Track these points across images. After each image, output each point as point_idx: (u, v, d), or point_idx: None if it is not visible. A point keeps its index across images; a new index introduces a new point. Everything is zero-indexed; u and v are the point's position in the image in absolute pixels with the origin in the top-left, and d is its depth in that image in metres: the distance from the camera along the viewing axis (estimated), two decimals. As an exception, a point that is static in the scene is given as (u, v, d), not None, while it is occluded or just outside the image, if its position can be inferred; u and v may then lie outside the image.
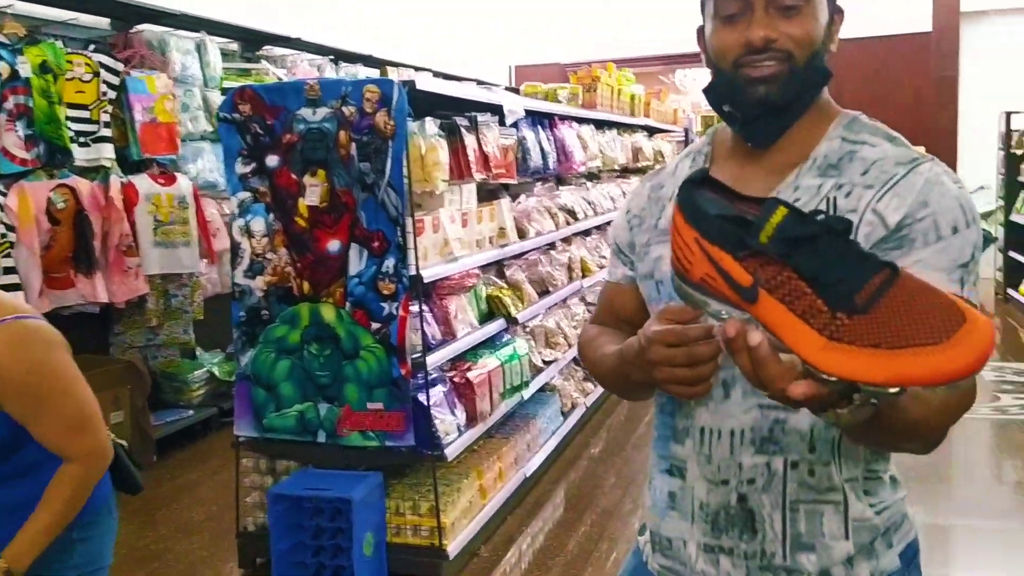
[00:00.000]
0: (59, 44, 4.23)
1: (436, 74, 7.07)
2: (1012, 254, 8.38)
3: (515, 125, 4.22)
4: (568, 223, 4.94)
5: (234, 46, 5.74)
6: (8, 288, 3.71)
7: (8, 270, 3.91)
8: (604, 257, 5.39)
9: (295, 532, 3.11)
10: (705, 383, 1.02)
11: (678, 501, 1.27)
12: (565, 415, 4.74)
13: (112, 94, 4.50)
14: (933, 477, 4.17)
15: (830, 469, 1.17)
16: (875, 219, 1.12)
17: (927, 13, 9.50)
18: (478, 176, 3.67)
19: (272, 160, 3.15)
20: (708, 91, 1.26)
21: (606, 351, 1.26)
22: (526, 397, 4.03)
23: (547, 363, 4.46)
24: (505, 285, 4.13)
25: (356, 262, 3.10)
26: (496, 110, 3.96)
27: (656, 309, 1.26)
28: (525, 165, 4.35)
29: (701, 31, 1.25)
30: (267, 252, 3.20)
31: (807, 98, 1.19)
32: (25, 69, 4.03)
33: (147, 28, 4.92)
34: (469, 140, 3.62)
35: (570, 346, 4.74)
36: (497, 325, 3.87)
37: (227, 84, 5.08)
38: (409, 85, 3.03)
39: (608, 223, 5.45)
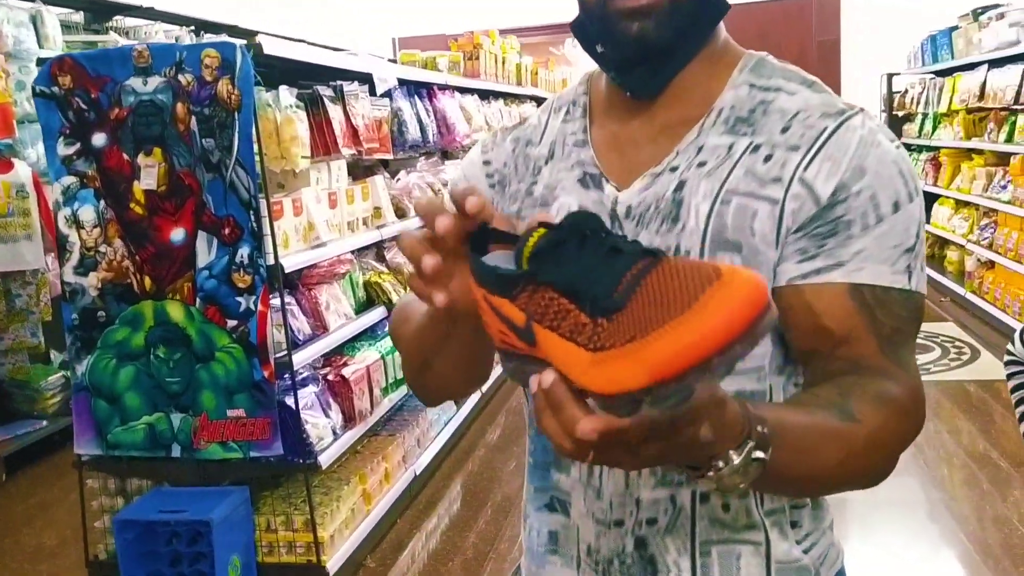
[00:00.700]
0: None
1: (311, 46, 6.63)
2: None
3: (388, 95, 3.88)
4: (453, 200, 4.64)
5: (77, 17, 5.20)
6: None
7: None
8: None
9: (149, 560, 2.75)
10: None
11: (561, 543, 1.00)
12: (459, 404, 4.47)
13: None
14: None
15: (748, 503, 0.93)
16: (803, 191, 0.88)
17: (809, -23, 9.55)
18: (347, 151, 3.33)
19: (99, 139, 2.74)
20: (576, 29, 0.99)
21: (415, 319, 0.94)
22: (413, 389, 3.73)
23: (436, 350, 4.17)
24: (385, 269, 3.81)
25: (205, 253, 2.73)
26: (366, 79, 3.62)
27: None
28: (402, 139, 4.02)
29: None
30: (100, 245, 2.79)
31: (697, 36, 0.94)
32: None
33: (-32, -4, 4.36)
34: (334, 112, 3.27)
35: (460, 330, 4.45)
36: (377, 314, 3.55)
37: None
38: (254, 48, 2.66)
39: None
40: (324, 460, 2.90)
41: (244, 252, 2.70)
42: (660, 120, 0.96)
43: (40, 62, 2.84)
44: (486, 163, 1.09)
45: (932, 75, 7.91)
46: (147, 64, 2.67)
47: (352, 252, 3.48)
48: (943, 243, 7.49)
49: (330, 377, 3.17)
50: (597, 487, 0.94)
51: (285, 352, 2.82)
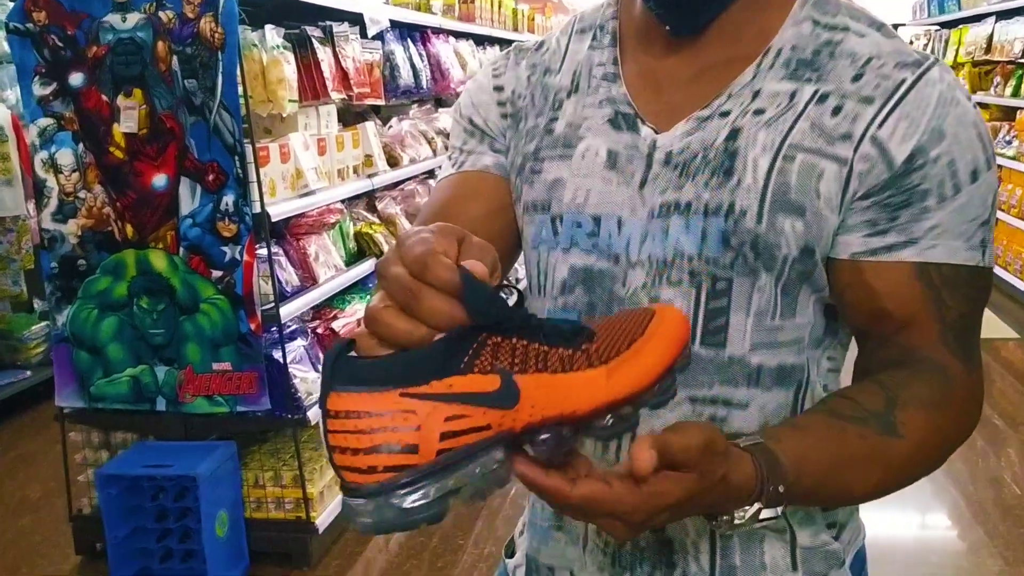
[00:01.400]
0: None
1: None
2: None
3: (380, 38, 3.73)
4: (447, 148, 4.51)
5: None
6: None
7: None
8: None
9: (134, 515, 2.68)
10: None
11: (566, 520, 0.91)
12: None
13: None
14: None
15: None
16: (874, 152, 0.77)
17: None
18: (336, 96, 3.19)
19: (76, 79, 2.60)
20: None
21: None
22: (404, 343, 3.65)
23: (428, 303, 4.07)
24: (377, 220, 3.70)
25: (188, 200, 2.62)
26: (356, 20, 3.47)
27: (549, 259, 0.87)
28: (394, 84, 3.87)
29: None
30: (79, 190, 2.67)
31: None
32: None
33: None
34: (323, 54, 3.13)
35: (454, 283, 4.36)
36: (368, 266, 3.44)
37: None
38: (239, -16, 2.52)
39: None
40: (313, 415, 2.82)
41: (229, 199, 2.59)
42: (705, 57, 0.83)
43: (13, -4, 2.70)
44: (498, 88, 0.96)
45: (937, 27, 7.75)
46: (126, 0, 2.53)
47: (342, 201, 3.36)
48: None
49: (319, 331, 3.08)
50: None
51: (272, 304, 2.72)
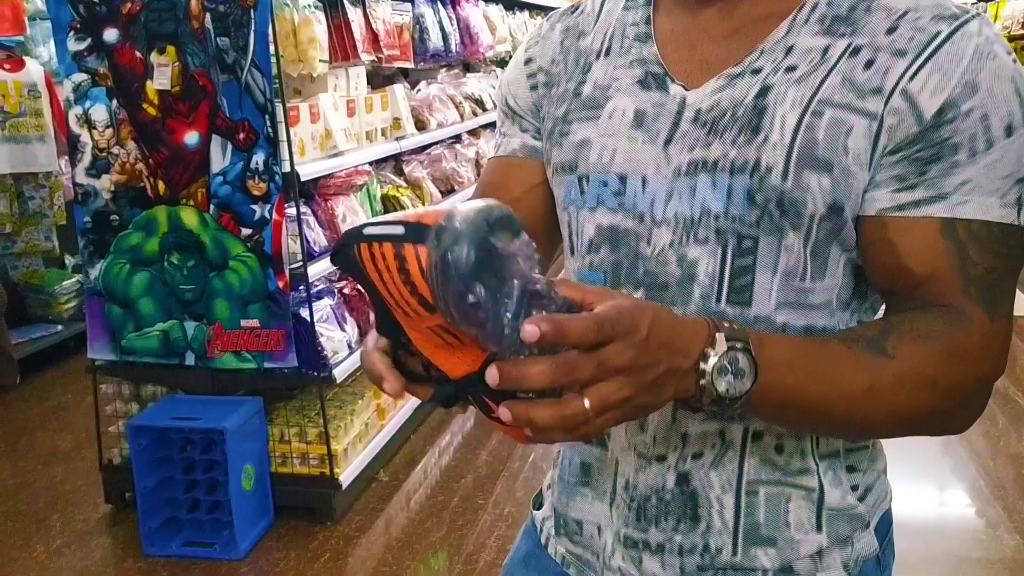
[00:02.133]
0: None
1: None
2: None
3: (410, 0, 3.73)
4: (475, 114, 4.51)
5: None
6: None
7: None
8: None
9: (163, 466, 2.75)
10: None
11: (594, 476, 0.93)
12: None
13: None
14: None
15: (804, 445, 0.85)
16: (904, 105, 0.75)
17: None
18: (366, 57, 3.20)
19: (111, 35, 2.63)
20: None
21: None
22: (429, 305, 3.68)
23: (453, 267, 4.10)
24: (403, 183, 3.72)
25: (219, 158, 2.65)
26: (387, -19, 3.47)
27: (578, 219, 0.88)
28: (423, 47, 3.87)
29: None
30: (112, 146, 2.71)
31: None
32: None
33: None
34: (354, 15, 3.14)
35: (478, 248, 4.38)
36: (394, 228, 3.47)
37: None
38: (273, -58, 2.53)
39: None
40: (339, 374, 2.86)
41: (259, 158, 2.62)
42: (740, 13, 0.83)
43: (49, -48, 2.72)
44: (528, 61, 0.98)
45: (976, 0, 7.60)
46: (160, -44, 2.54)
47: (370, 163, 3.38)
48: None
49: (346, 291, 3.12)
50: (641, 420, 0.86)
51: (300, 263, 2.75)
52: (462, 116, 4.30)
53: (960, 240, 0.76)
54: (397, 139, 3.52)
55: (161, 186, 2.70)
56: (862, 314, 0.86)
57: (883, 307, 0.87)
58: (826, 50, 0.79)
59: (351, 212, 3.18)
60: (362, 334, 3.11)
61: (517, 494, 3.14)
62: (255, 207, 2.66)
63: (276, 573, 2.70)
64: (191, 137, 2.65)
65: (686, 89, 0.83)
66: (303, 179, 2.73)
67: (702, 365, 0.69)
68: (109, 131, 2.70)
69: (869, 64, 0.77)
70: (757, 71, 0.80)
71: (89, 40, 2.65)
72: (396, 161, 3.78)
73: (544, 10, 6.34)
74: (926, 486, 3.21)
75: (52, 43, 4.44)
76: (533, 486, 3.18)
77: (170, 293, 2.78)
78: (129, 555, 2.79)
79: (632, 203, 0.84)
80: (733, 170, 0.79)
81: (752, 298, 0.81)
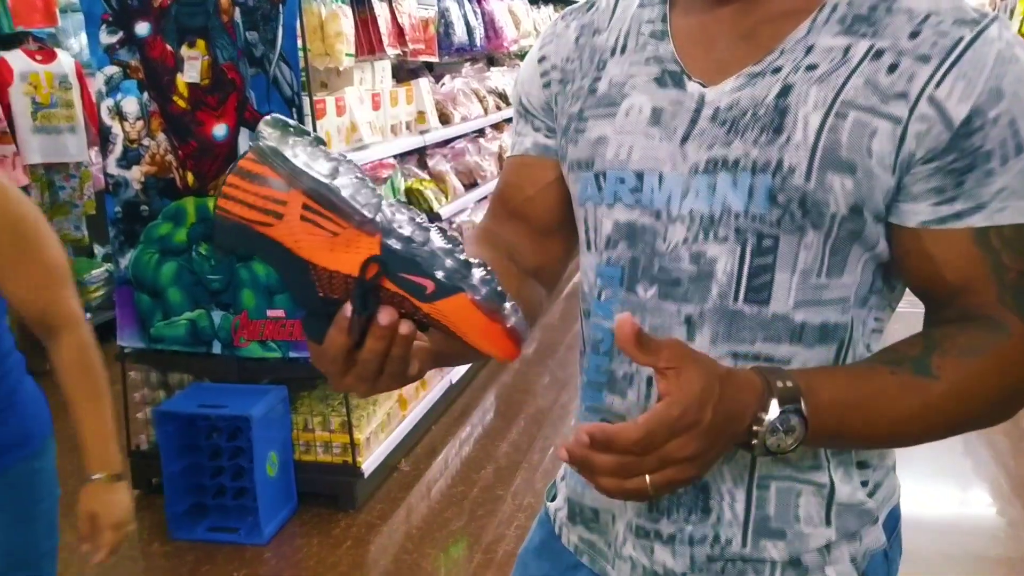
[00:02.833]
0: None
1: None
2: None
3: (436, -6, 3.76)
4: (499, 108, 4.53)
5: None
6: None
7: None
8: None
9: (190, 452, 2.80)
10: None
11: None
12: (495, 315, 4.45)
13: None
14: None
15: None
16: (932, 112, 0.76)
17: None
18: (392, 52, 3.23)
19: (142, 28, 2.67)
20: None
21: None
22: (451, 298, 3.71)
23: (475, 260, 4.13)
24: (427, 176, 3.75)
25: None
26: (413, -24, 3.50)
27: (596, 215, 0.90)
28: (448, 41, 3.90)
29: None
30: (143, 138, 2.76)
31: None
32: None
33: None
34: (380, 9, 3.17)
35: (500, 241, 4.41)
36: (418, 220, 3.50)
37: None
38: (301, -63, 2.56)
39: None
40: (362, 364, 2.89)
41: (287, 151, 2.65)
42: (760, 11, 0.84)
43: (82, -54, 2.77)
44: (541, 60, 0.99)
45: (1005, -5, 7.51)
46: (191, -50, 2.59)
47: (394, 156, 3.41)
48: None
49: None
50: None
51: (326, 254, 2.79)
52: (486, 110, 4.33)
53: (993, 247, 0.78)
54: (421, 132, 3.55)
55: (190, 177, 2.74)
56: (879, 311, 0.87)
57: (900, 304, 0.89)
58: (847, 50, 0.79)
59: (375, 204, 3.22)
60: (385, 325, 3.15)
61: (536, 485, 3.17)
62: (282, 199, 2.69)
63: (299, 559, 2.75)
64: (220, 129, 2.69)
65: (704, 87, 0.84)
66: (329, 171, 2.76)
67: (755, 428, 0.74)
68: (140, 123, 2.75)
69: (893, 68, 0.77)
70: (777, 70, 0.81)
71: (121, 33, 2.70)
72: (420, 154, 3.82)
73: (567, 3, 6.35)
74: (947, 485, 3.21)
75: (83, 35, 4.53)
76: (552, 478, 3.19)
77: (198, 283, 2.83)
78: (156, 539, 2.85)
79: (649, 200, 0.85)
80: (755, 169, 0.79)
81: (771, 297, 0.82)
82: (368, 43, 3.14)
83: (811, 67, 0.80)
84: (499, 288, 0.70)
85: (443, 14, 3.86)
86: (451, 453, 3.48)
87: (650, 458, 0.69)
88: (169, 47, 2.67)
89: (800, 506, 0.87)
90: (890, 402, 0.78)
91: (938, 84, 0.76)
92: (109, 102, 2.75)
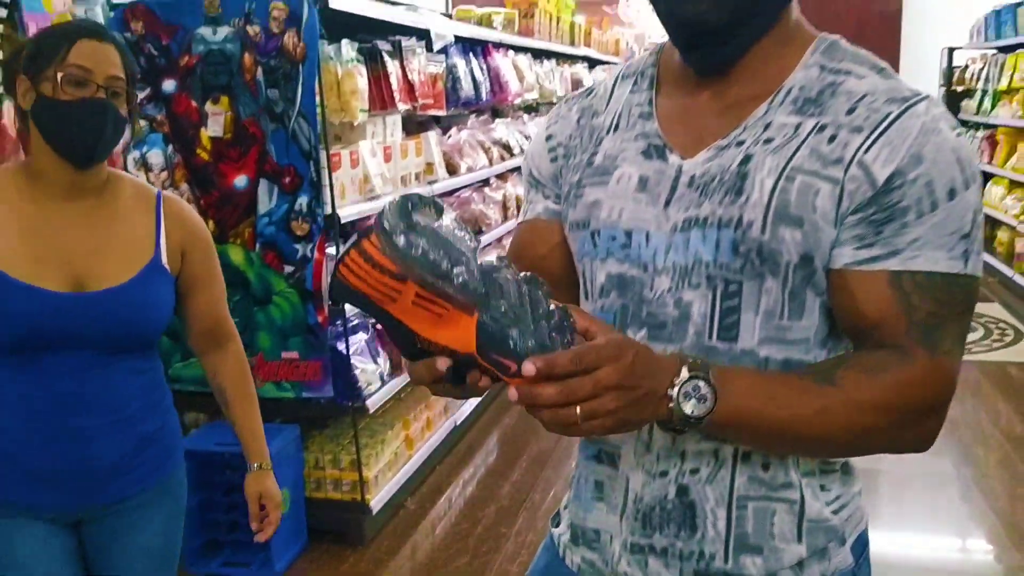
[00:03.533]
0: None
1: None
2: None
3: (444, 52, 3.94)
4: (503, 158, 4.70)
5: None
6: None
7: None
8: (541, 194, 5.16)
9: (205, 489, 2.91)
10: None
11: (606, 492, 1.07)
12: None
13: (2, 12, 4.08)
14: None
15: (787, 464, 1.00)
16: (860, 174, 0.91)
17: (872, -56, 9.35)
18: (402, 106, 3.40)
19: (169, 85, 2.84)
20: (653, 3, 1.04)
21: None
22: (456, 341, 3.84)
23: (480, 305, 4.26)
24: (434, 224, 3.90)
25: (266, 200, 2.84)
26: (423, 35, 3.67)
27: (591, 268, 1.05)
28: (455, 95, 4.08)
29: None
30: (167, 188, 2.91)
31: (762, 17, 0.97)
32: None
33: (40, -61, 4.46)
34: (392, 67, 3.34)
35: (504, 287, 4.54)
36: (425, 266, 3.64)
37: None
38: (321, 3, 2.73)
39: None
40: (371, 404, 3.02)
41: (303, 201, 2.81)
42: (730, 95, 0.99)
43: (112, 7, 2.94)
44: (548, 138, 1.16)
45: (994, 51, 7.74)
46: (217, 14, 2.76)
47: (404, 205, 3.56)
48: (994, 223, 7.37)
49: (379, 326, 3.28)
50: (647, 441, 1.01)
51: (338, 299, 2.92)
52: (491, 161, 4.49)
53: (905, 289, 0.91)
54: (430, 183, 3.71)
55: (212, 225, 2.88)
56: (837, 351, 1.00)
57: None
58: (798, 127, 0.95)
59: (385, 251, 3.36)
60: (394, 367, 3.27)
61: (538, 524, 3.26)
62: (298, 246, 2.84)
63: (309, 593, 2.84)
64: (240, 180, 2.84)
65: (682, 158, 1.00)
66: (343, 220, 2.91)
67: (671, 391, 0.87)
68: (164, 174, 2.91)
69: (832, 139, 0.93)
70: (741, 143, 0.96)
71: (148, 89, 2.87)
72: (428, 203, 3.97)
73: (568, 58, 6.58)
74: (945, 533, 3.27)
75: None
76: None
77: (216, 325, 2.95)
78: (170, 573, 2.93)
79: (637, 255, 1.00)
80: (720, 225, 0.95)
81: (738, 335, 0.96)
82: (380, 98, 3.30)
83: (768, 140, 0.95)
84: None
85: (451, 70, 4.04)
86: (455, 493, 3.58)
87: (583, 381, 0.81)
88: (194, 103, 2.84)
89: (775, 523, 0.99)
90: (793, 397, 0.91)
91: (867, 150, 0.91)
92: (135, 154, 2.91)
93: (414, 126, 4.08)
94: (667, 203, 0.99)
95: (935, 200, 0.90)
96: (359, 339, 3.11)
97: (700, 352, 0.96)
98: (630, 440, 1.03)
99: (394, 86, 3.33)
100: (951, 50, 8.52)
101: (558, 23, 6.03)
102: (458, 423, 3.92)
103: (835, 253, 0.93)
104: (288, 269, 2.86)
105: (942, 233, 0.90)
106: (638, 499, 1.03)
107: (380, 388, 3.11)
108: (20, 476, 1.56)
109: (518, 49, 5.20)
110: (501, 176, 4.83)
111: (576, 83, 6.49)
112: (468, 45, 4.38)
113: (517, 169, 5.07)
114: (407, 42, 3.50)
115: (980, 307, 6.18)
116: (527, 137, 5.20)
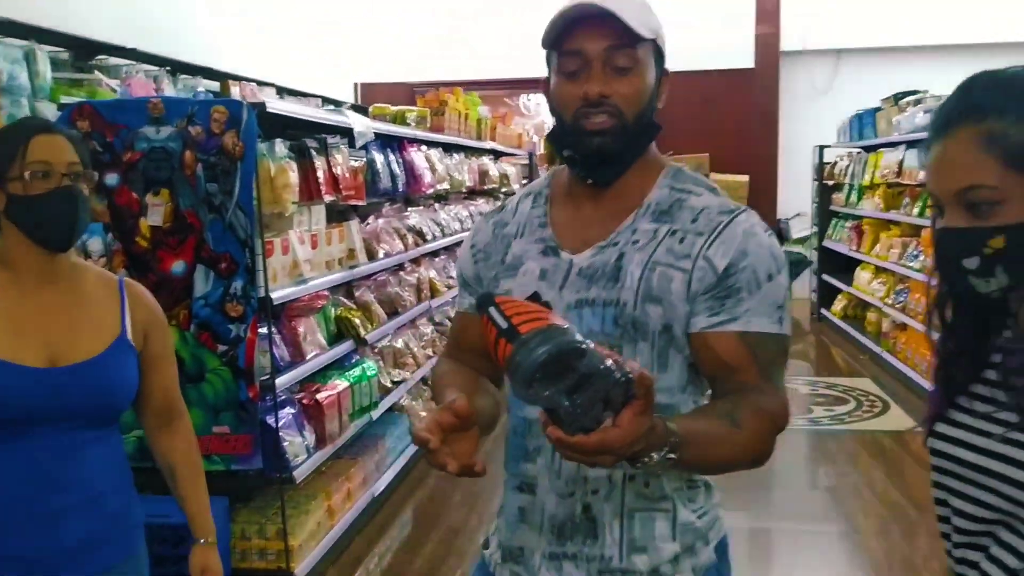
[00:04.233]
0: None
1: (280, 89, 6.96)
2: (825, 277, 9.12)
3: (364, 147, 4.26)
4: (417, 244, 5.01)
5: (65, 55, 5.47)
6: None
7: None
8: (452, 277, 5.49)
9: (134, 562, 3.01)
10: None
11: (528, 515, 1.38)
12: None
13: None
14: (754, 484, 4.45)
15: (662, 482, 1.32)
16: (705, 265, 1.28)
17: (750, 51, 10.24)
18: (328, 198, 3.68)
19: (111, 178, 3.05)
20: (551, 137, 1.39)
21: (445, 394, 1.33)
22: (375, 417, 4.06)
23: (396, 383, 4.50)
24: (354, 306, 4.15)
25: (202, 284, 3.05)
26: (345, 132, 3.99)
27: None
28: (375, 187, 4.39)
29: (547, 83, 1.37)
30: (106, 273, 3.09)
31: (638, 148, 1.35)
32: None
33: (-32, 32, 4.61)
34: (319, 162, 3.63)
35: (419, 366, 4.80)
36: (346, 346, 3.89)
37: (63, 99, 4.83)
38: (259, 107, 3.02)
39: (457, 244, 5.56)
40: (299, 475, 3.21)
41: (238, 285, 3.03)
42: (607, 207, 1.36)
43: (60, 107, 3.14)
44: (472, 247, 1.51)
45: (859, 150, 8.56)
46: (161, 115, 3.01)
47: (327, 289, 3.81)
48: (864, 305, 8.04)
49: (305, 401, 3.49)
50: (557, 470, 1.33)
51: (269, 375, 3.13)
52: (406, 246, 4.79)
53: (751, 343, 1.27)
54: (351, 267, 3.98)
55: (148, 308, 3.07)
56: (695, 396, 1.35)
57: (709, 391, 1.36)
58: (656, 232, 1.32)
59: (311, 331, 3.59)
60: (319, 441, 3.47)
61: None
62: (231, 327, 3.05)
63: (236, 660, 2.95)
64: (178, 266, 3.05)
65: (572, 255, 1.36)
66: (275, 303, 3.14)
67: (647, 459, 1.08)
68: (103, 260, 3.09)
69: (682, 240, 1.31)
70: (616, 244, 1.33)
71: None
72: (348, 286, 4.22)
73: (476, 151, 7.01)
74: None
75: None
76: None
77: (148, 402, 3.10)
78: (96, 647, 3.00)
79: None
80: (604, 304, 1.30)
81: None
82: (308, 191, 3.58)
83: (635, 241, 1.32)
84: None
85: (370, 164, 4.36)
86: (371, 564, 3.75)
87: (606, 458, 1.02)
88: (135, 195, 3.05)
89: (656, 528, 1.32)
90: (720, 448, 1.22)
91: (708, 248, 1.29)
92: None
93: (335, 214, 4.36)
94: (561, 288, 1.34)
95: (759, 281, 1.28)
96: (287, 413, 3.31)
97: None
98: (544, 472, 1.35)
99: (320, 179, 3.62)
100: (822, 148, 9.34)
101: (466, 120, 6.46)
102: (375, 495, 4.10)
103: (692, 321, 1.29)
104: (222, 348, 3.06)
105: (766, 304, 1.28)
106: (553, 517, 1.34)
107: (306, 460, 3.31)
108: None
109: (430, 144, 5.57)
110: (415, 260, 5.13)
111: (483, 173, 6.91)
112: (386, 141, 4.72)
113: (430, 254, 5.39)
114: (332, 139, 3.81)
115: (852, 381, 6.75)
116: (439, 224, 5.54)
